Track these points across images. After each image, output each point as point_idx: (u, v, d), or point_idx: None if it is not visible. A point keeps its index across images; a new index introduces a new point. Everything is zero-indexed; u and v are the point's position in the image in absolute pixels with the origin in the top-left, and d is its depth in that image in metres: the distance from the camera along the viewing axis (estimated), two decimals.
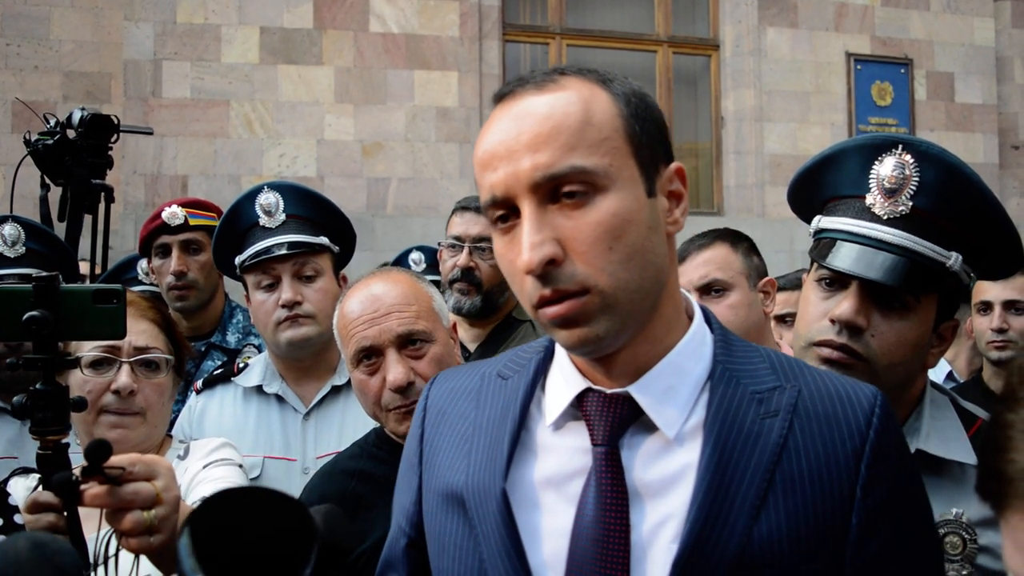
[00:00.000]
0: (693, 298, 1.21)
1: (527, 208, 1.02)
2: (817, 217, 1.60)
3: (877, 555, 1.05)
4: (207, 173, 6.65)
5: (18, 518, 1.47)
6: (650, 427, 1.09)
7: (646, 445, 1.09)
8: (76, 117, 2.87)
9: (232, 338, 3.23)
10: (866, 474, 1.06)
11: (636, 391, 1.09)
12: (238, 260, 2.44)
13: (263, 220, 2.40)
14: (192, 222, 3.11)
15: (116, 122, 3.01)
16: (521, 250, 1.02)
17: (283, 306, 2.33)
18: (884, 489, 1.06)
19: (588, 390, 1.11)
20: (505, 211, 1.05)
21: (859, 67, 8.03)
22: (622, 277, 1.02)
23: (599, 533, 1.04)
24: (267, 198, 2.42)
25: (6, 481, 1.81)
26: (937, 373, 3.81)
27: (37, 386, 1.27)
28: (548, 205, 1.03)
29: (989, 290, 3.25)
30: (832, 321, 1.49)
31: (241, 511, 0.72)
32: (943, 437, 1.51)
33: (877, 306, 1.48)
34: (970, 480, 1.49)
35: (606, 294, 1.02)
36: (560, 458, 1.11)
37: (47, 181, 2.96)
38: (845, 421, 1.09)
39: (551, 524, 1.09)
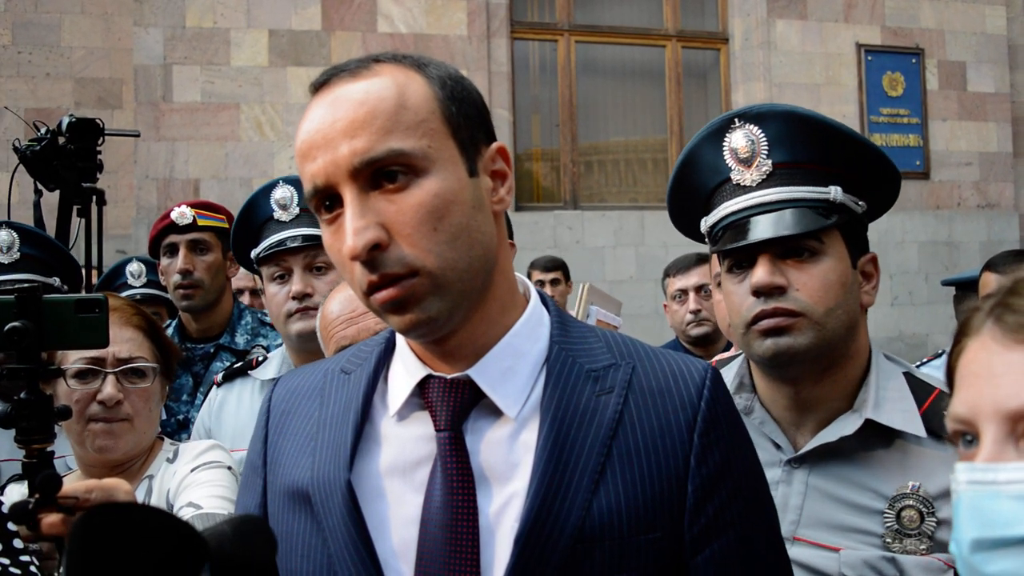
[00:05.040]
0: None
1: (349, 195, 1.02)
2: (703, 219, 1.63)
3: (713, 520, 1.09)
4: (219, 176, 6.69)
5: (12, 526, 1.49)
6: (492, 410, 1.10)
7: (489, 428, 1.10)
8: (64, 123, 2.93)
9: (241, 339, 3.27)
10: (699, 443, 1.10)
11: (475, 374, 1.10)
12: (253, 253, 2.52)
13: (278, 214, 2.48)
14: (201, 223, 3.15)
15: (101, 125, 3.05)
16: (346, 237, 1.01)
17: (294, 298, 2.39)
18: (716, 457, 1.11)
19: (429, 377, 1.12)
20: (328, 200, 1.05)
21: (870, 58, 7.96)
22: (449, 257, 1.02)
23: (447, 518, 1.05)
24: (282, 192, 2.51)
25: (3, 488, 1.83)
26: None
27: (21, 395, 1.29)
28: (370, 191, 1.02)
29: (994, 281, 3.24)
30: (756, 293, 1.51)
31: (119, 534, 0.70)
32: (892, 408, 1.50)
33: (788, 263, 1.51)
34: (925, 453, 1.47)
35: (434, 275, 1.02)
36: (405, 447, 1.11)
37: (39, 187, 3.01)
38: (678, 394, 1.12)
39: (399, 513, 1.09)
